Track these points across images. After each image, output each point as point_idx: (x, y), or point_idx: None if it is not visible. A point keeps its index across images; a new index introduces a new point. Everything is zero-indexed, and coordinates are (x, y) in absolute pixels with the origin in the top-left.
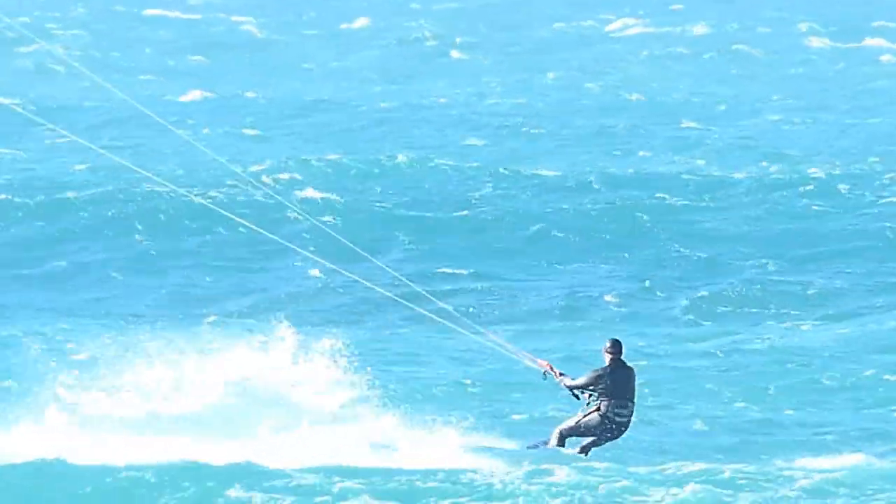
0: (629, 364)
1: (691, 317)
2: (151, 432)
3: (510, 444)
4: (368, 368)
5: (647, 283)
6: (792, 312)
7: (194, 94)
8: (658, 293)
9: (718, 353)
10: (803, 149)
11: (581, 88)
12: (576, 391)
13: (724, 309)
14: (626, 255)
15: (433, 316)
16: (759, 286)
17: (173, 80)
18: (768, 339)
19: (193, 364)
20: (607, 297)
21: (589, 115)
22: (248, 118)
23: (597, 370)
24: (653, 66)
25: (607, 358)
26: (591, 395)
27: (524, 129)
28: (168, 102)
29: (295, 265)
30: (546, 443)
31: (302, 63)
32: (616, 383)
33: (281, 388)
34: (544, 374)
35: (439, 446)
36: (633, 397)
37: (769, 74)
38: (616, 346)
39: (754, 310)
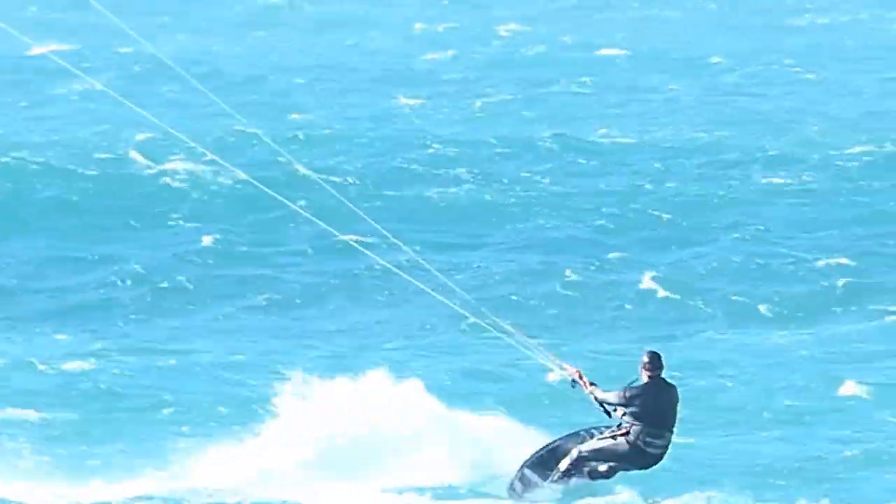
0: (671, 382)
1: (706, 309)
2: None
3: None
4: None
5: (654, 275)
6: (841, 310)
7: (55, 46)
8: (663, 283)
9: (742, 359)
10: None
11: (550, 39)
12: (607, 407)
13: (751, 305)
14: (606, 237)
15: (444, 299)
16: (797, 280)
17: (34, 30)
18: (809, 343)
19: None
20: (589, 282)
21: (558, 71)
22: (119, 77)
23: (631, 388)
24: (646, 13)
25: (644, 376)
26: (624, 415)
27: (473, 87)
28: (25, 57)
29: (180, 231)
30: (548, 475)
31: (184, 8)
32: (653, 406)
33: None
34: (573, 382)
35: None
36: (673, 425)
37: (775, 26)
38: (655, 362)
39: (794, 305)
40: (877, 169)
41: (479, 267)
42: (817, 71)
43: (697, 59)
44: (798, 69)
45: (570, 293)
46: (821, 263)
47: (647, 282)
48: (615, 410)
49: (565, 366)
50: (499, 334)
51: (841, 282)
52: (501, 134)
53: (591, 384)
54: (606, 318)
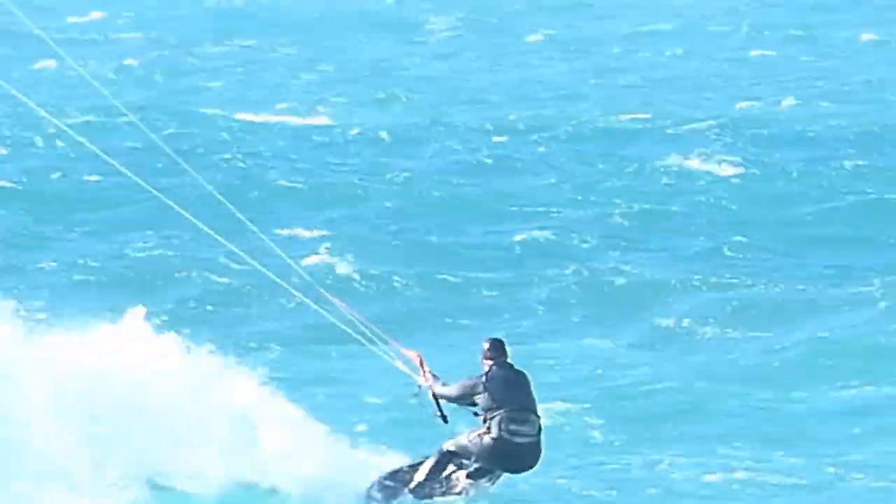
0: (520, 369)
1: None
2: None
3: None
4: None
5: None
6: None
7: None
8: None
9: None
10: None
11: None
12: (443, 408)
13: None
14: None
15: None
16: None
17: None
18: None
19: None
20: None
21: (194, 37)
22: None
23: (472, 377)
24: None
25: (487, 365)
26: (484, 418)
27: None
28: None
29: None
30: (406, 480)
31: None
32: (504, 389)
33: None
34: (418, 388)
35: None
36: (535, 407)
37: None
38: (497, 348)
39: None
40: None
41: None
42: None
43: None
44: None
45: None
46: (517, 239)
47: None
48: (477, 416)
49: (404, 349)
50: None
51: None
52: (140, 103)
53: (434, 375)
54: None
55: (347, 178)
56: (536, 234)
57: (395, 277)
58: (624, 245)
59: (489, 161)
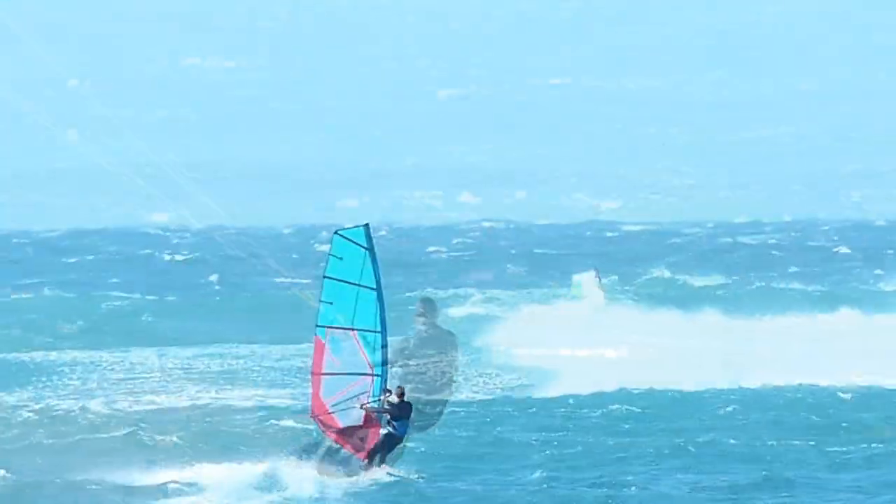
0: (446, 330)
1: None
2: None
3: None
4: None
5: None
6: None
7: None
8: None
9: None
10: None
11: None
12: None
13: None
14: None
15: None
16: None
17: None
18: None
19: None
20: None
21: None
22: None
23: (403, 339)
24: None
25: (419, 323)
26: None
27: None
28: None
29: None
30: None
31: None
32: (426, 347)
33: None
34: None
35: None
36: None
37: None
38: (428, 307)
39: None
40: None
41: None
42: None
43: None
44: None
45: None
46: None
47: None
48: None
49: None
50: None
51: None
52: None
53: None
54: None
55: None
56: None
57: None
58: None
59: None
